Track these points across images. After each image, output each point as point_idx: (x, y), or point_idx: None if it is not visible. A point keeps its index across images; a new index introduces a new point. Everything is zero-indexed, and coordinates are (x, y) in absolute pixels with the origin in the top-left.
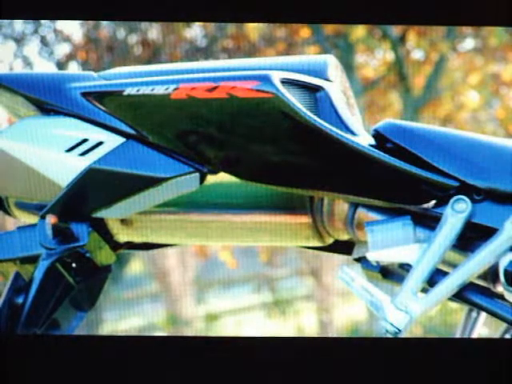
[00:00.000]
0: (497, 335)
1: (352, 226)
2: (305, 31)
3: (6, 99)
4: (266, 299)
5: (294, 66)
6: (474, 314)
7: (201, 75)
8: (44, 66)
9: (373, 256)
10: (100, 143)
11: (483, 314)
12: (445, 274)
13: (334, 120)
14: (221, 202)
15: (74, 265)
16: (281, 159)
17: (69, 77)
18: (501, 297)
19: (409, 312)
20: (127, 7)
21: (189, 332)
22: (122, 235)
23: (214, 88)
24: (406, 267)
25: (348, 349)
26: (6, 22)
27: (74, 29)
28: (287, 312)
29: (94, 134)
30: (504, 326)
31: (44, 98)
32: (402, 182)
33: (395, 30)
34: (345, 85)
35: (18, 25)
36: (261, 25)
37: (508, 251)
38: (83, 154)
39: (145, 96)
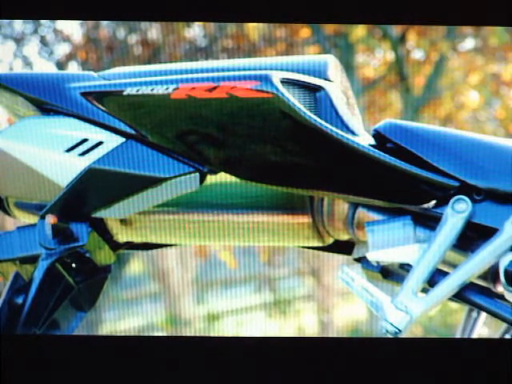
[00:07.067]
0: (497, 335)
1: (352, 226)
2: (305, 31)
3: (5, 99)
4: (266, 299)
5: (294, 65)
6: (474, 314)
7: (201, 75)
8: (44, 66)
9: (373, 256)
10: (100, 143)
11: (483, 314)
12: (445, 274)
13: (334, 120)
14: (221, 202)
15: (73, 265)
16: (281, 159)
17: (69, 77)
18: (501, 297)
19: (409, 312)
20: (127, 7)
21: (189, 332)
22: (122, 235)
23: (214, 88)
24: (406, 267)
25: (348, 349)
26: (5, 21)
27: (73, 29)
28: (287, 312)
29: (94, 133)
30: (504, 326)
31: (44, 98)
32: (402, 182)
33: (395, 30)
34: (345, 85)
35: (18, 25)
36: (261, 25)
37: (508, 251)
38: (83, 153)
39: (144, 96)
